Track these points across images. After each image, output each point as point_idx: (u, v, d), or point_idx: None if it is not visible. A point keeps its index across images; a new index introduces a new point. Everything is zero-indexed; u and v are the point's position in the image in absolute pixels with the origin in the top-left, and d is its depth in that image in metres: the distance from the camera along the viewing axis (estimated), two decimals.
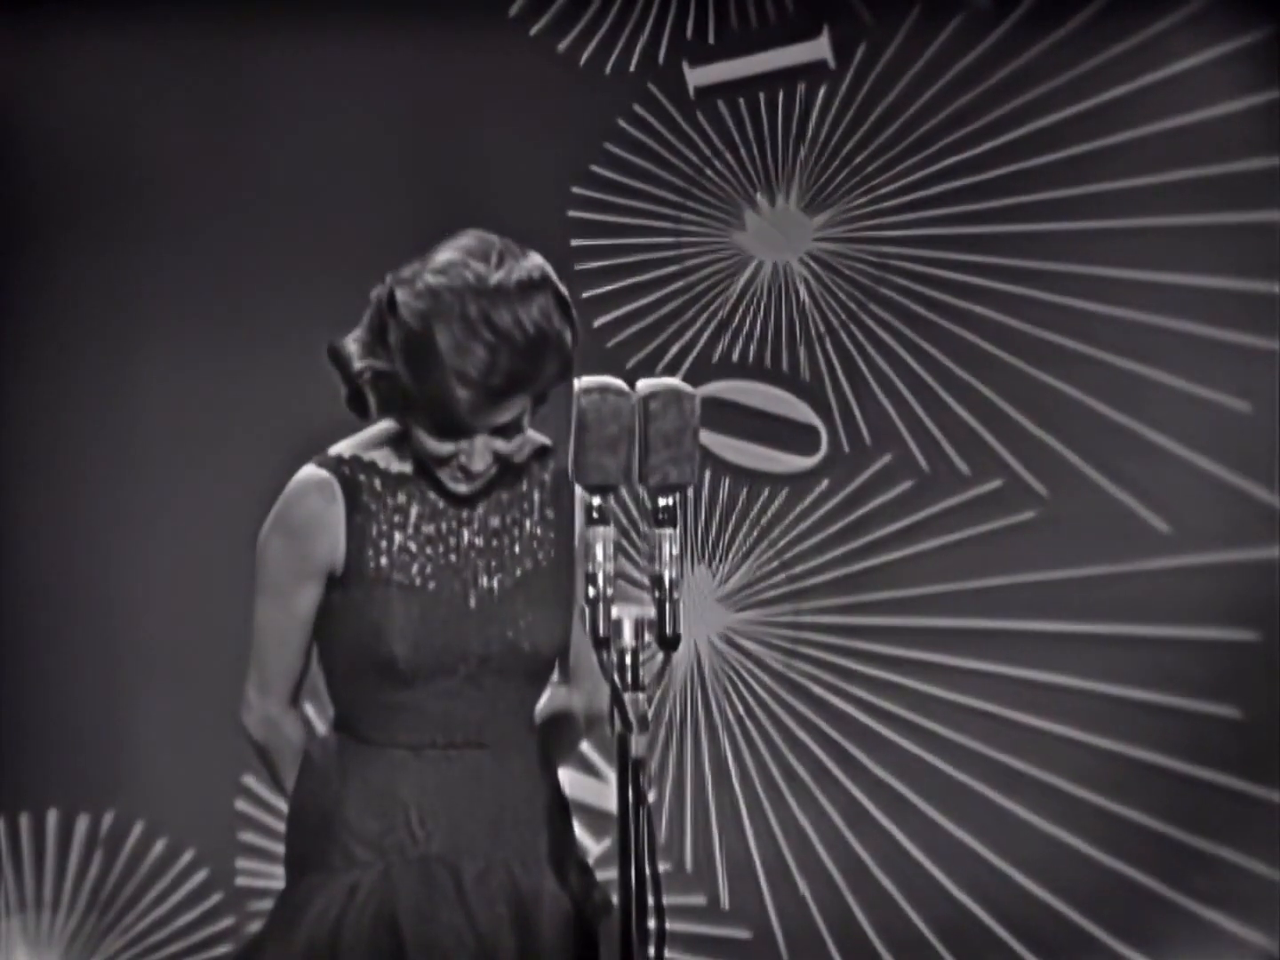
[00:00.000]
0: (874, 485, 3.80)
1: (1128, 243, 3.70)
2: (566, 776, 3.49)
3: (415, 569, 2.50)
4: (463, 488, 2.47)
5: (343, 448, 2.50)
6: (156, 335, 3.75)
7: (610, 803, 3.65)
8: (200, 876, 3.71)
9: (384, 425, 2.48)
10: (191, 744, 3.66)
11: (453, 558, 2.52)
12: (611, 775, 3.69)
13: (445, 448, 2.43)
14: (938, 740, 3.76)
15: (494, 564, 2.54)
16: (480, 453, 2.43)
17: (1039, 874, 3.70)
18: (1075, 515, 3.71)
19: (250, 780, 3.73)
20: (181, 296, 3.77)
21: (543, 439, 2.55)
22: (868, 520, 3.80)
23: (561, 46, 3.81)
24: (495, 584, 2.54)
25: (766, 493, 3.82)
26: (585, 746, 3.73)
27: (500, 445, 2.44)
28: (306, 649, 2.52)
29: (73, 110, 3.77)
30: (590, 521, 2.45)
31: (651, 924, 2.24)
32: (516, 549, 2.56)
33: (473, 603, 2.53)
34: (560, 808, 2.64)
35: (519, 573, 2.55)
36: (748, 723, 3.80)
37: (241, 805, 3.73)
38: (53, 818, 3.70)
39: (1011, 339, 3.78)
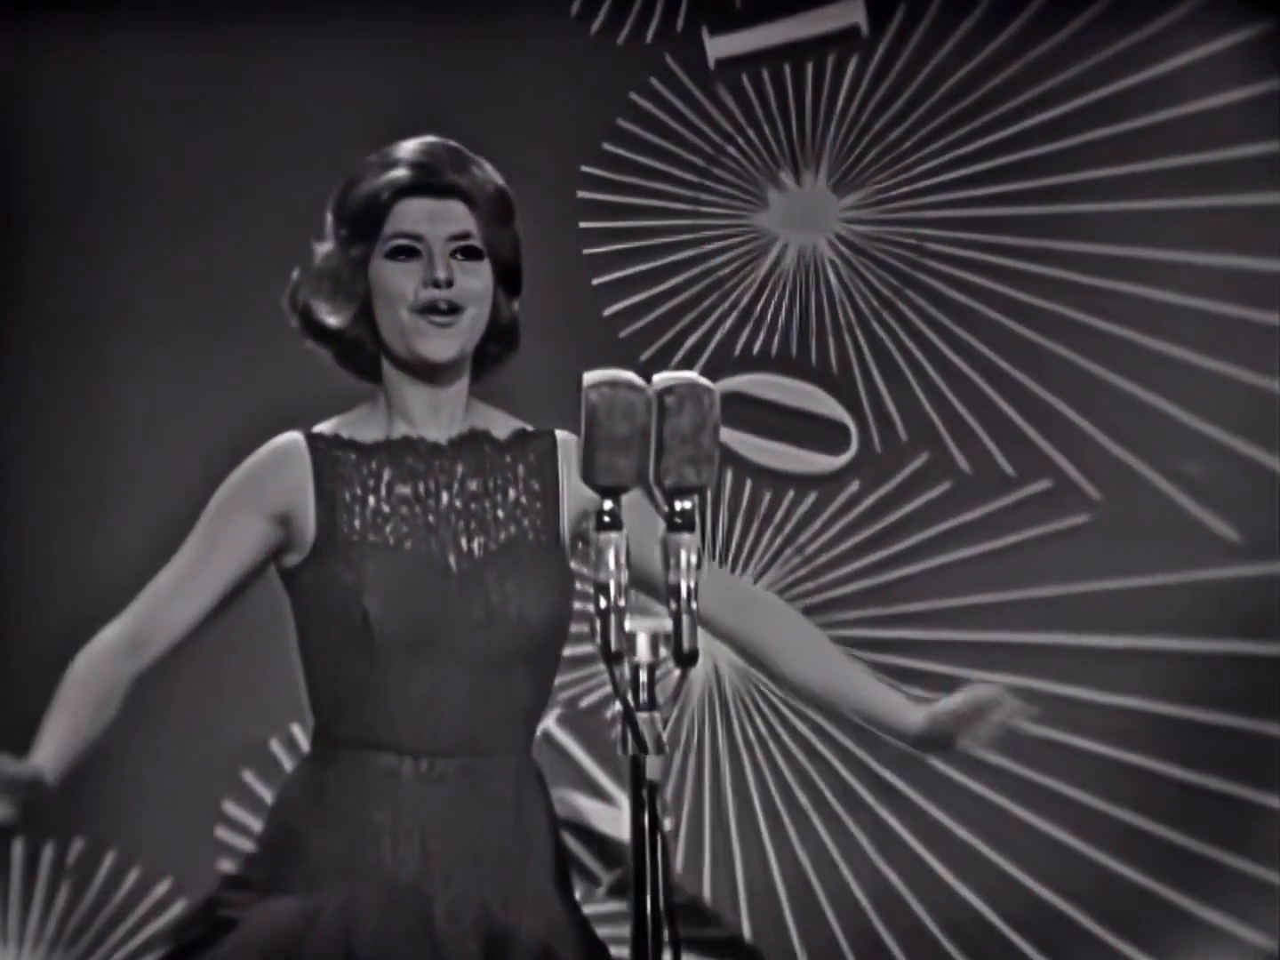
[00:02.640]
0: (909, 487, 3.77)
1: (1194, 224, 3.67)
2: (578, 801, 3.48)
3: (390, 529, 2.56)
4: (438, 435, 2.55)
5: (320, 427, 2.61)
6: (149, 337, 3.72)
7: (623, 829, 3.68)
8: (178, 907, 3.70)
9: (360, 408, 2.60)
10: (168, 767, 3.64)
11: (430, 518, 2.57)
12: (624, 800, 3.70)
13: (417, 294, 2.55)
14: (975, 763, 3.73)
15: (474, 526, 2.59)
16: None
17: (1080, 900, 3.68)
18: (1131, 520, 3.68)
19: (231, 807, 3.72)
20: (176, 297, 3.75)
21: (523, 424, 2.54)
22: (902, 525, 3.77)
23: (572, 13, 3.79)
24: (476, 546, 2.57)
25: (792, 495, 3.80)
26: (591, 767, 3.73)
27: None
28: (198, 612, 2.55)
29: (66, 108, 3.76)
30: (600, 527, 2.44)
31: (667, 958, 2.23)
32: (499, 514, 2.60)
33: (452, 563, 2.54)
34: (554, 839, 2.61)
35: (502, 537, 2.59)
36: (771, 744, 3.78)
37: (222, 833, 3.71)
38: (17, 848, 3.69)
39: (1060, 328, 3.75)
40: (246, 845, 3.71)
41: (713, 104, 3.80)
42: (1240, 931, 3.62)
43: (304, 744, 3.66)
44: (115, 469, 3.72)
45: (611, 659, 2.41)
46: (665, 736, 2.37)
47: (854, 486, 3.80)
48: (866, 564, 3.78)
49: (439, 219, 2.59)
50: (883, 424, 3.80)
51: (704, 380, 2.45)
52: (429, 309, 2.58)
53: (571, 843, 3.72)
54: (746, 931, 3.73)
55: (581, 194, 3.79)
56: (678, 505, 2.47)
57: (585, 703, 3.74)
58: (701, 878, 3.74)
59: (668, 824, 2.32)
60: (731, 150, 3.81)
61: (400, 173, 2.59)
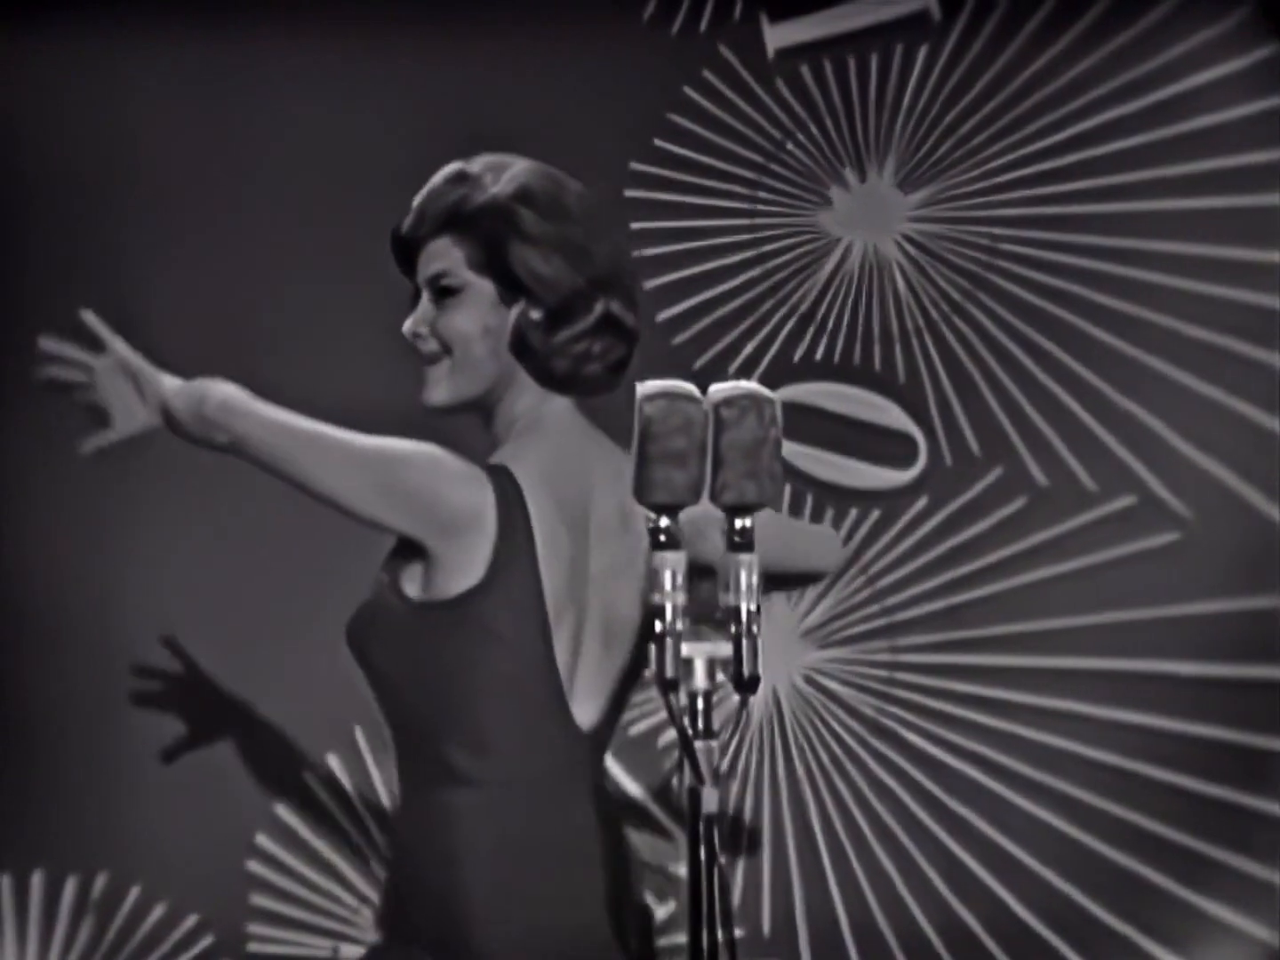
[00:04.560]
0: (982, 503, 3.72)
1: None
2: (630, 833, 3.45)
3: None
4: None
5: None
6: (150, 341, 3.71)
7: (678, 863, 3.66)
8: (205, 943, 3.68)
9: None
10: (197, 798, 3.62)
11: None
12: (679, 832, 3.68)
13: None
14: (1054, 795, 3.70)
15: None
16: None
17: (1156, 934, 3.63)
18: (1222, 539, 3.62)
19: (264, 840, 3.70)
20: (185, 300, 3.74)
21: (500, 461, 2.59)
22: (974, 544, 3.72)
23: (621, 1, 3.78)
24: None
25: (855, 512, 3.76)
26: (645, 799, 3.71)
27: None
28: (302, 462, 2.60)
29: (68, 110, 3.75)
30: (656, 546, 2.42)
31: None
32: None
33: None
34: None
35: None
36: (833, 774, 3.75)
37: (254, 867, 3.70)
38: (37, 880, 3.67)
39: (1144, 334, 3.70)
40: (279, 879, 3.71)
41: (771, 97, 3.78)
42: None
43: (342, 777, 3.67)
44: (116, 468, 3.68)
45: (667, 686, 2.40)
46: (724, 767, 2.36)
47: (922, 502, 3.76)
48: (935, 585, 3.74)
49: (425, 261, 2.64)
50: (953, 436, 3.76)
51: (765, 390, 2.43)
52: (418, 358, 2.65)
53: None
54: None
55: (631, 193, 3.77)
56: (737, 523, 2.44)
57: (636, 730, 3.72)
58: (760, 912, 3.72)
59: (724, 856, 2.31)
60: (791, 146, 3.79)
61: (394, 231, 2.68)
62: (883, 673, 3.74)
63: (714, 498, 2.45)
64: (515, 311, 2.62)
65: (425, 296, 2.64)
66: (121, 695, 3.64)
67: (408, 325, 2.64)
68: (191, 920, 3.69)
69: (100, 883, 3.67)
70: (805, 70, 3.77)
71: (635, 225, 3.75)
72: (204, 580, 3.67)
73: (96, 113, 3.77)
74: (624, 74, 3.74)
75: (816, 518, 3.77)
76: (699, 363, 3.73)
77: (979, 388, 3.76)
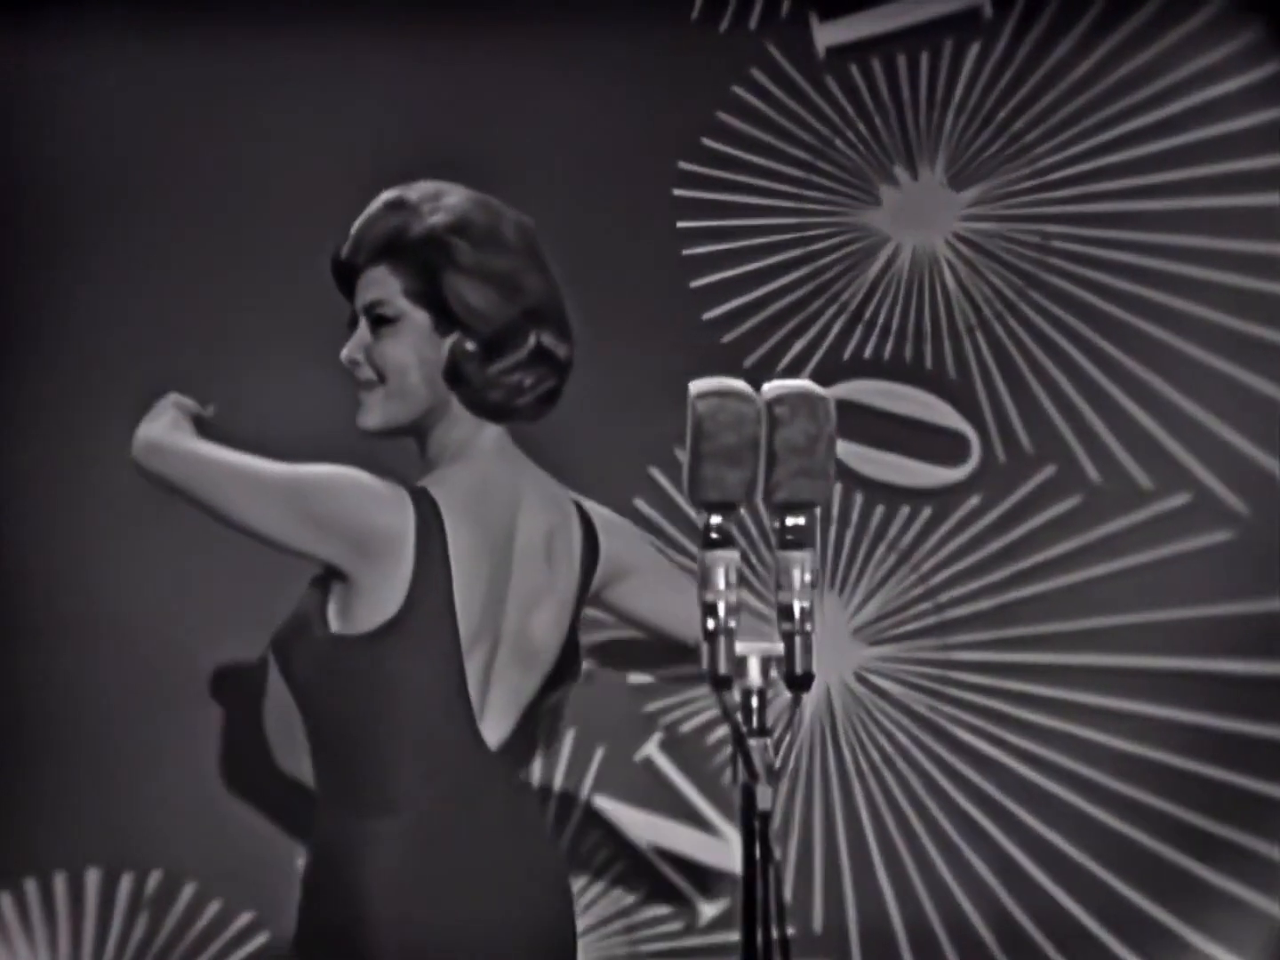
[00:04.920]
0: (1034, 501, 3.70)
1: None
2: (676, 830, 3.44)
3: None
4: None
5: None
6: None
7: (727, 860, 3.65)
8: (260, 940, 3.67)
9: None
10: (249, 797, 3.62)
11: None
12: (728, 830, 3.67)
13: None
14: (1106, 793, 3.68)
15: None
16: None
17: (1208, 931, 3.60)
18: (1277, 537, 3.59)
19: None
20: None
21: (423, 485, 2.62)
22: (1027, 541, 3.70)
23: (669, 1, 3.76)
24: None
25: (906, 510, 3.74)
26: (692, 794, 3.70)
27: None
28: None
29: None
30: (708, 544, 2.41)
31: None
32: None
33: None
34: None
35: None
36: (885, 772, 3.73)
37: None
38: (93, 878, 3.66)
39: (1200, 330, 3.68)
40: None
41: (820, 95, 3.76)
42: None
43: None
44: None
45: (720, 684, 2.39)
46: (777, 764, 2.35)
47: (974, 500, 3.74)
48: (987, 583, 3.72)
49: (362, 289, 2.66)
50: (1006, 433, 3.74)
51: (818, 388, 2.41)
52: (354, 384, 2.67)
53: (672, 872, 3.70)
54: None
55: (679, 192, 3.75)
56: (790, 521, 2.43)
57: (686, 728, 3.71)
58: (812, 909, 3.71)
59: (776, 853, 2.30)
60: (840, 144, 3.77)
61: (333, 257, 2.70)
62: (934, 670, 3.73)
63: (766, 496, 2.44)
64: (450, 341, 2.63)
65: (362, 323, 2.65)
66: (176, 693, 3.64)
67: (345, 352, 2.66)
68: (245, 919, 3.68)
69: (154, 880, 3.67)
70: (854, 68, 3.75)
71: (682, 224, 3.73)
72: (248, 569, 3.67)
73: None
74: (672, 73, 3.72)
75: (866, 516, 3.75)
76: (748, 361, 3.71)
77: (1031, 385, 3.73)
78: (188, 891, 3.67)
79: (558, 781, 3.68)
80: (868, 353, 3.77)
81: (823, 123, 3.76)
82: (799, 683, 2.39)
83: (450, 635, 2.59)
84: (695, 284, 3.73)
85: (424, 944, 2.55)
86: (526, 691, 2.66)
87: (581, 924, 3.65)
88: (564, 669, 2.71)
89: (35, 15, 3.71)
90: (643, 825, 3.69)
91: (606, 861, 3.69)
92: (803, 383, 2.44)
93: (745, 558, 3.65)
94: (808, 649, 2.39)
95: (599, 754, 3.68)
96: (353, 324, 2.68)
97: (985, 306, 3.75)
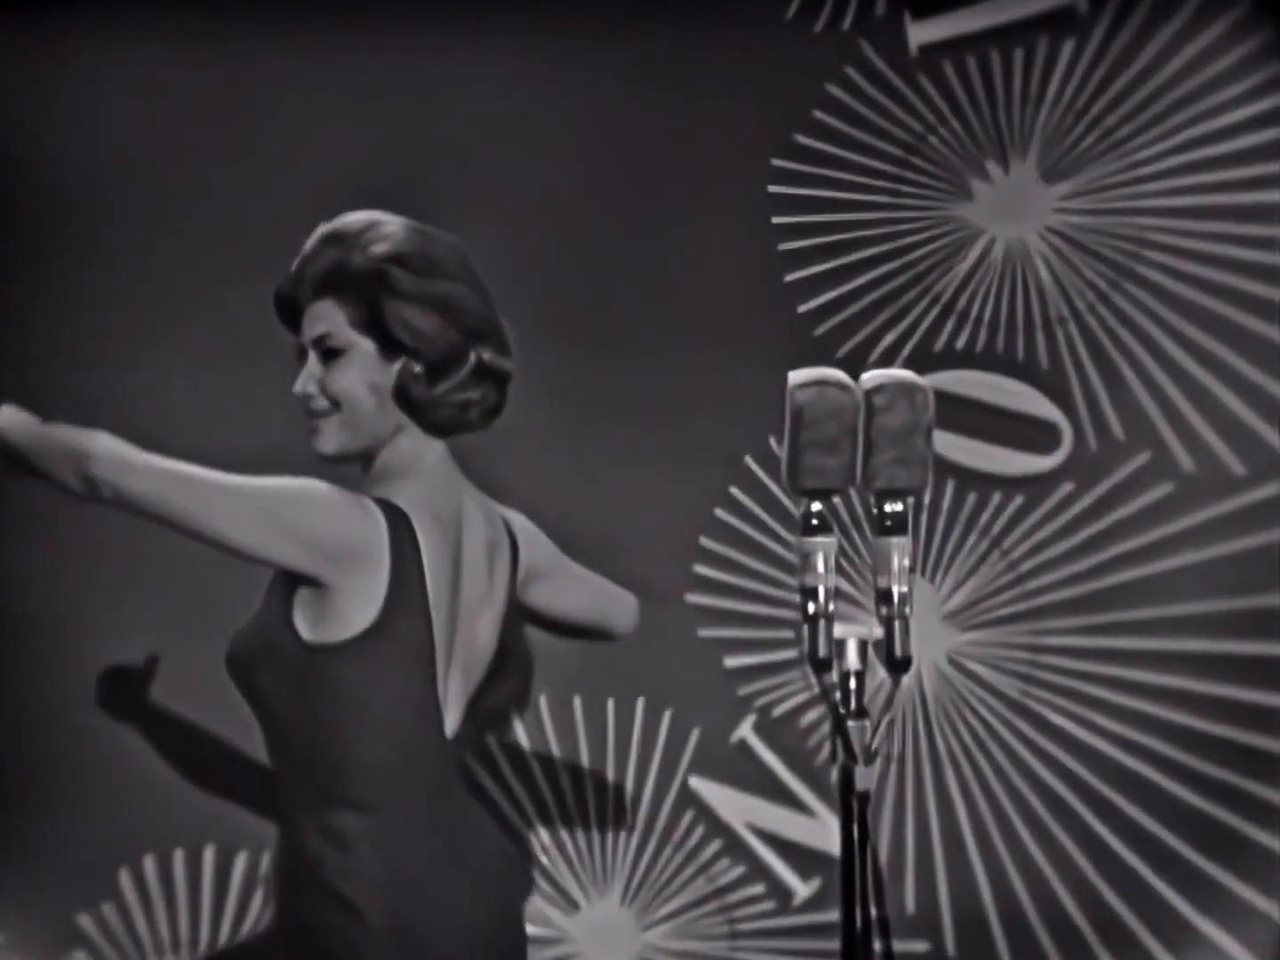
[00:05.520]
0: (1126, 488, 3.68)
1: None
2: (770, 810, 3.44)
3: None
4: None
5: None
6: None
7: (821, 840, 3.66)
8: None
9: None
10: None
11: None
12: (821, 810, 3.68)
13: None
14: (1198, 778, 3.66)
15: None
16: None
17: None
18: None
19: None
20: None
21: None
22: (1120, 528, 3.69)
23: (764, 1, 3.76)
24: None
25: (998, 498, 3.73)
26: (786, 775, 3.70)
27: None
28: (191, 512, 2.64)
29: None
30: (808, 530, 2.43)
31: None
32: None
33: None
34: None
35: None
36: (977, 754, 3.73)
37: None
38: (209, 854, 3.70)
39: None
40: None
41: (914, 92, 3.75)
42: None
43: (494, 747, 3.70)
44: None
45: (819, 666, 2.41)
46: (874, 746, 2.37)
47: (1067, 488, 3.73)
48: (1079, 570, 3.70)
49: (310, 323, 2.72)
50: (1098, 422, 3.72)
51: (917, 378, 2.43)
52: (308, 413, 2.72)
53: (767, 853, 3.71)
54: (951, 947, 3.69)
55: (773, 188, 3.76)
56: (887, 508, 2.45)
57: (779, 710, 3.72)
58: (904, 891, 3.71)
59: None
60: (933, 140, 3.76)
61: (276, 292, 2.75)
62: (1025, 655, 3.72)
63: (864, 483, 2.46)
64: (397, 367, 2.69)
65: (312, 356, 2.71)
66: None
67: (298, 386, 2.72)
68: None
69: (267, 858, 3.68)
70: (948, 66, 3.74)
71: (778, 220, 3.74)
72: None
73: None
74: (767, 72, 3.73)
75: (958, 504, 3.75)
76: (841, 352, 3.71)
77: (1124, 375, 3.72)
78: None
79: (655, 763, 3.69)
80: (959, 344, 3.76)
81: (916, 119, 3.75)
82: (898, 665, 2.41)
83: (426, 640, 2.65)
84: (789, 278, 3.74)
85: (404, 935, 2.61)
86: (470, 688, 2.76)
87: (676, 903, 3.68)
88: (498, 666, 2.81)
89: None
90: (737, 805, 3.70)
91: (701, 841, 3.70)
92: (902, 372, 2.46)
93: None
94: (906, 633, 2.41)
95: (694, 736, 3.69)
96: (301, 356, 2.74)
97: (1078, 298, 3.73)
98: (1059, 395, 3.73)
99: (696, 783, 3.70)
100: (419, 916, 2.62)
